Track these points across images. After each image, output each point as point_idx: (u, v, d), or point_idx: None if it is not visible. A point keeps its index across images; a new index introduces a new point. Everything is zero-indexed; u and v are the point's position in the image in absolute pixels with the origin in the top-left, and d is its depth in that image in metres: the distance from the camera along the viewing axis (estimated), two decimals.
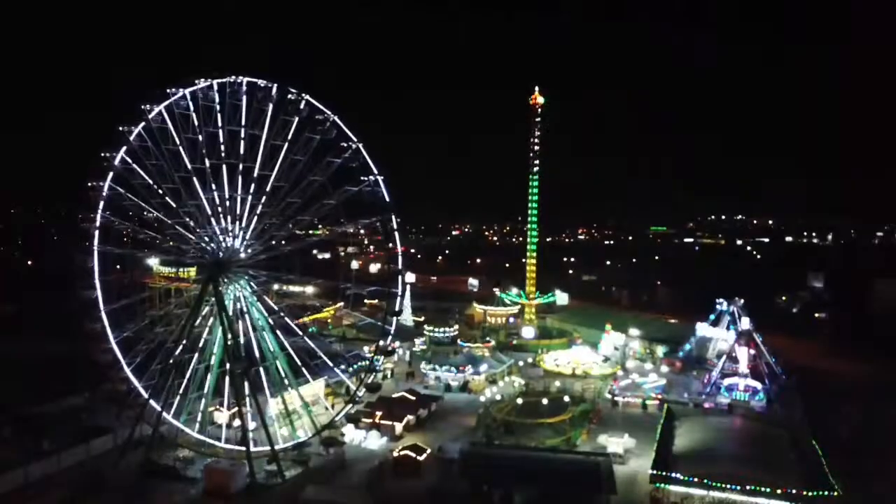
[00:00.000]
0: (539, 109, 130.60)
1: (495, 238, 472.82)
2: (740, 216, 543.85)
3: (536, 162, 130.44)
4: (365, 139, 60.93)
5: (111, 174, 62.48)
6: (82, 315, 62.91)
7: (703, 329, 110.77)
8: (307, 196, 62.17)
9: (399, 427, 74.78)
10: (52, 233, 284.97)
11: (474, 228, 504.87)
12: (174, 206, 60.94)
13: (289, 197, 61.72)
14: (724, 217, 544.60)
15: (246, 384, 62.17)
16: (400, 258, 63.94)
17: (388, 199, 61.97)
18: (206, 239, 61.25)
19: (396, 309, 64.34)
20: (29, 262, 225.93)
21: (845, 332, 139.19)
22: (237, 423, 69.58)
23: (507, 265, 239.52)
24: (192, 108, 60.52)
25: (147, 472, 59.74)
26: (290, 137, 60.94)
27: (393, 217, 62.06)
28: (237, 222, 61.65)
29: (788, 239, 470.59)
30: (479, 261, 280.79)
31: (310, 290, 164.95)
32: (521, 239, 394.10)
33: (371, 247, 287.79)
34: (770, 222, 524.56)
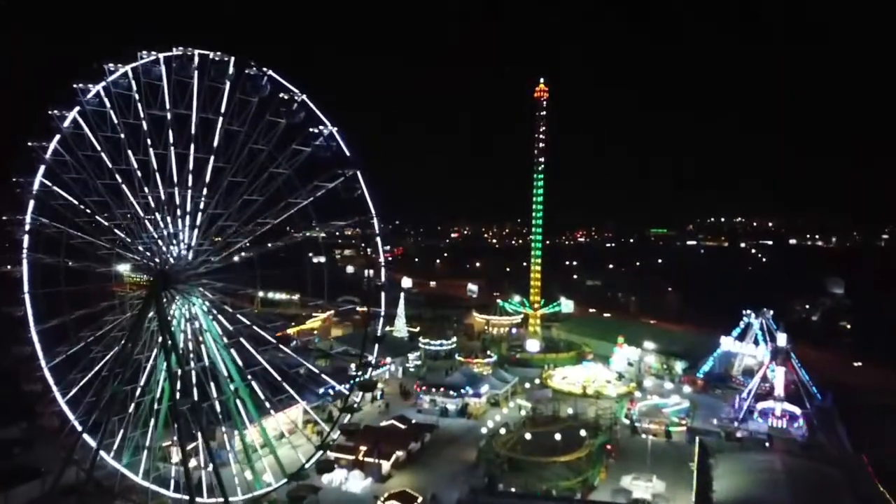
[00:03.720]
0: (544, 102, 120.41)
1: (494, 240, 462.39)
2: (740, 218, 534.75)
3: (542, 159, 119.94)
4: (311, 93, 48.86)
5: (42, 168, 52.15)
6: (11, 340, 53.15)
7: (727, 343, 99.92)
8: (254, 172, 50.41)
9: (386, 466, 63.93)
10: None
11: (473, 230, 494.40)
12: (112, 206, 50.14)
13: (233, 176, 49.82)
14: (723, 219, 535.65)
15: (194, 423, 51.07)
16: (376, 222, 51.27)
17: (347, 153, 49.87)
18: (150, 245, 50.24)
19: (382, 282, 52.55)
20: None
21: (874, 342, 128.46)
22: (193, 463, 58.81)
23: (508, 269, 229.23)
24: (134, 87, 49.91)
25: None
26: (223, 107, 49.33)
27: (358, 173, 49.70)
28: (183, 221, 50.48)
29: (792, 241, 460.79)
30: (478, 264, 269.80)
31: (297, 297, 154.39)
32: (520, 241, 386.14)
33: (368, 250, 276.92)
34: (770, 224, 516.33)
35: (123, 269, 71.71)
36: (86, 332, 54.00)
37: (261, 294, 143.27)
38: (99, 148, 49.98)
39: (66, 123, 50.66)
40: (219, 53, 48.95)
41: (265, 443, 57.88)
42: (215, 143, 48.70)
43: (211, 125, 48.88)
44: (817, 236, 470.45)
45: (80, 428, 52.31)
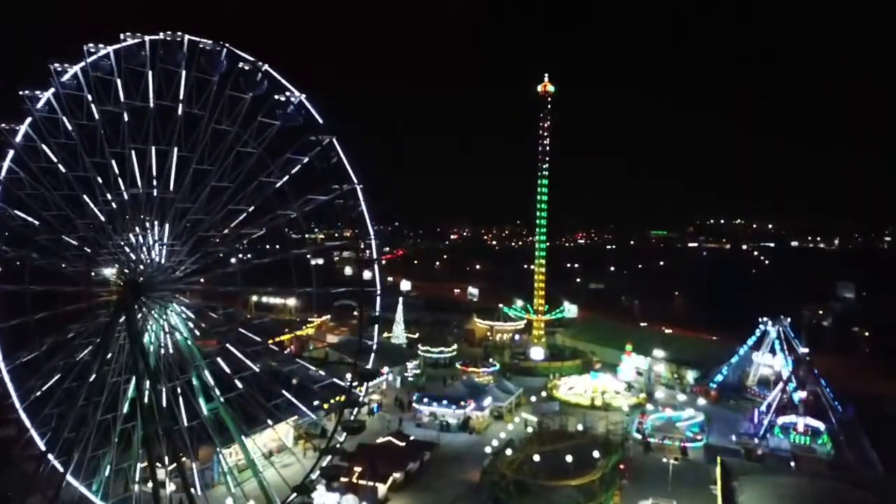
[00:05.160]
0: (549, 100, 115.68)
1: (494, 242, 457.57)
2: (739, 220, 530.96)
3: (546, 159, 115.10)
4: (272, 62, 43.66)
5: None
6: None
7: (742, 352, 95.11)
8: (221, 156, 44.91)
9: (383, 489, 59.11)
10: None
11: (473, 232, 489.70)
12: (74, 218, 45.76)
13: (199, 163, 44.91)
14: (723, 221, 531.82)
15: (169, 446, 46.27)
16: (360, 192, 45.99)
17: (320, 120, 44.67)
18: (117, 255, 45.47)
19: (375, 256, 47.64)
20: None
21: (891, 348, 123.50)
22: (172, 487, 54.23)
23: (509, 271, 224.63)
24: (84, 85, 45.39)
25: None
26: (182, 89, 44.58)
27: (335, 141, 44.51)
28: (150, 222, 45.69)
29: (794, 244, 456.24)
30: (478, 266, 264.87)
31: (291, 301, 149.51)
32: (521, 243, 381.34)
33: (367, 252, 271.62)
34: (770, 226, 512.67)
35: (110, 272, 66.59)
36: (57, 361, 49.26)
37: (254, 298, 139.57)
38: (54, 158, 45.62)
39: (19, 138, 46.22)
40: (170, 33, 44.38)
41: (248, 465, 53.12)
42: (175, 132, 43.99)
43: (170, 114, 44.22)
44: (819, 238, 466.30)
45: (61, 468, 47.65)
